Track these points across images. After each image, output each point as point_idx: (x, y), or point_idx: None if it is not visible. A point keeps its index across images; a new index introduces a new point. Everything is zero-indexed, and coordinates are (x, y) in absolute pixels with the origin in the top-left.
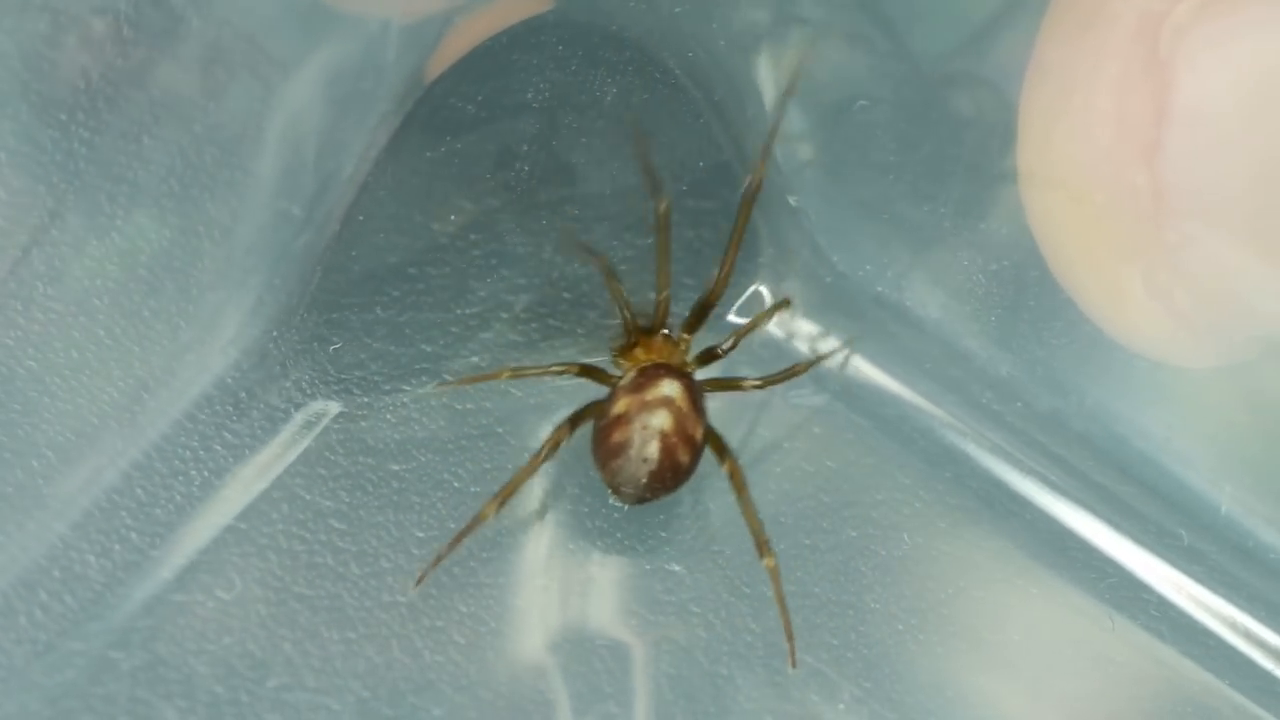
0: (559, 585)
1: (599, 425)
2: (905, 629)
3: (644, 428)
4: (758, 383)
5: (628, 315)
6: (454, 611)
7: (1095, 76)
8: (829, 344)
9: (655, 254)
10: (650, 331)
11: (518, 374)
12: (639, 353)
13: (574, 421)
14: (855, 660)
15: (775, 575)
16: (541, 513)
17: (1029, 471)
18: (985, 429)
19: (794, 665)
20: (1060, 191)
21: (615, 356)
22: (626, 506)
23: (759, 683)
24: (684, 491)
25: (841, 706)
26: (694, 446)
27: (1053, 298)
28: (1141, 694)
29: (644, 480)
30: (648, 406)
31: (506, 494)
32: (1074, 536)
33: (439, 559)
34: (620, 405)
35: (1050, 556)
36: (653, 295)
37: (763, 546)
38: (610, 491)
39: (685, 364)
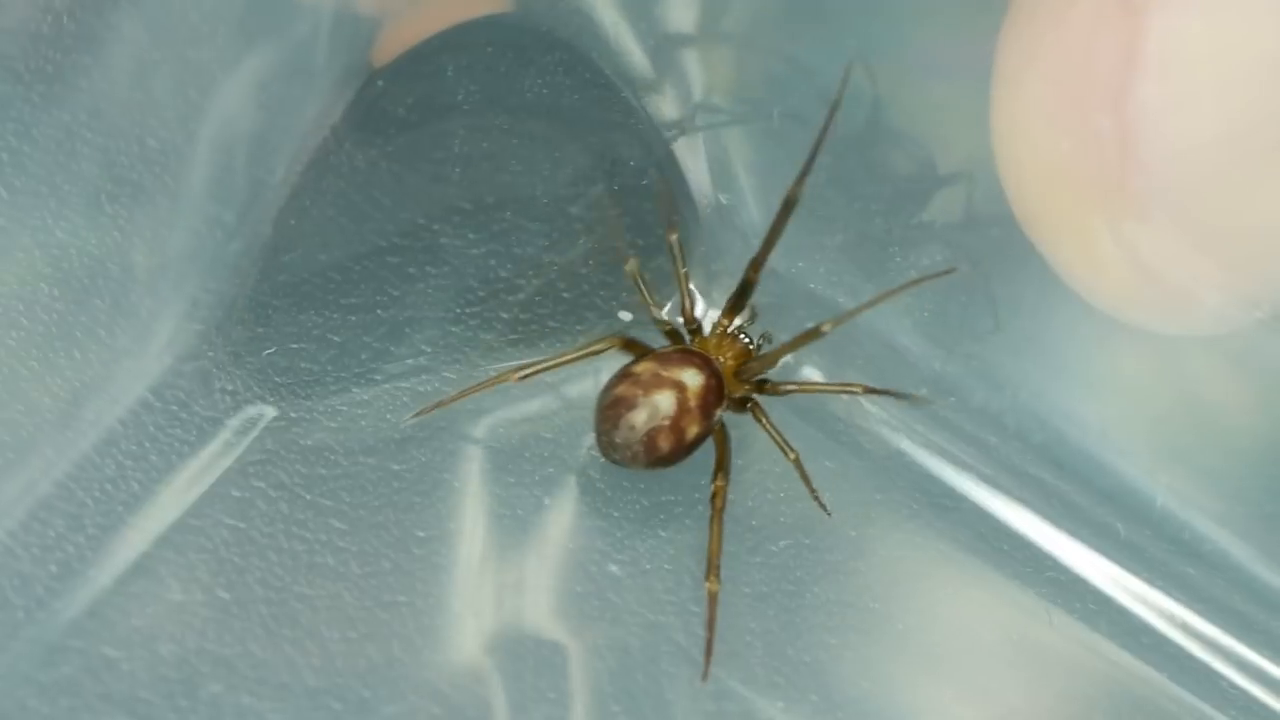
0: (494, 587)
1: (617, 374)
2: (842, 626)
3: (646, 399)
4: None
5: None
6: (388, 617)
7: (1067, 20)
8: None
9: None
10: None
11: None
12: (707, 340)
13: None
14: (792, 660)
15: (714, 600)
16: (476, 513)
17: (964, 467)
18: (919, 425)
19: (705, 680)
20: (1029, 137)
21: (692, 335)
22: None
23: (696, 684)
24: (625, 491)
25: (780, 704)
26: (680, 440)
27: (984, 293)
28: (1080, 687)
29: (616, 440)
30: (660, 381)
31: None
32: (1011, 531)
33: (441, 403)
34: (641, 365)
35: (987, 552)
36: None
37: (713, 571)
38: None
39: (729, 366)
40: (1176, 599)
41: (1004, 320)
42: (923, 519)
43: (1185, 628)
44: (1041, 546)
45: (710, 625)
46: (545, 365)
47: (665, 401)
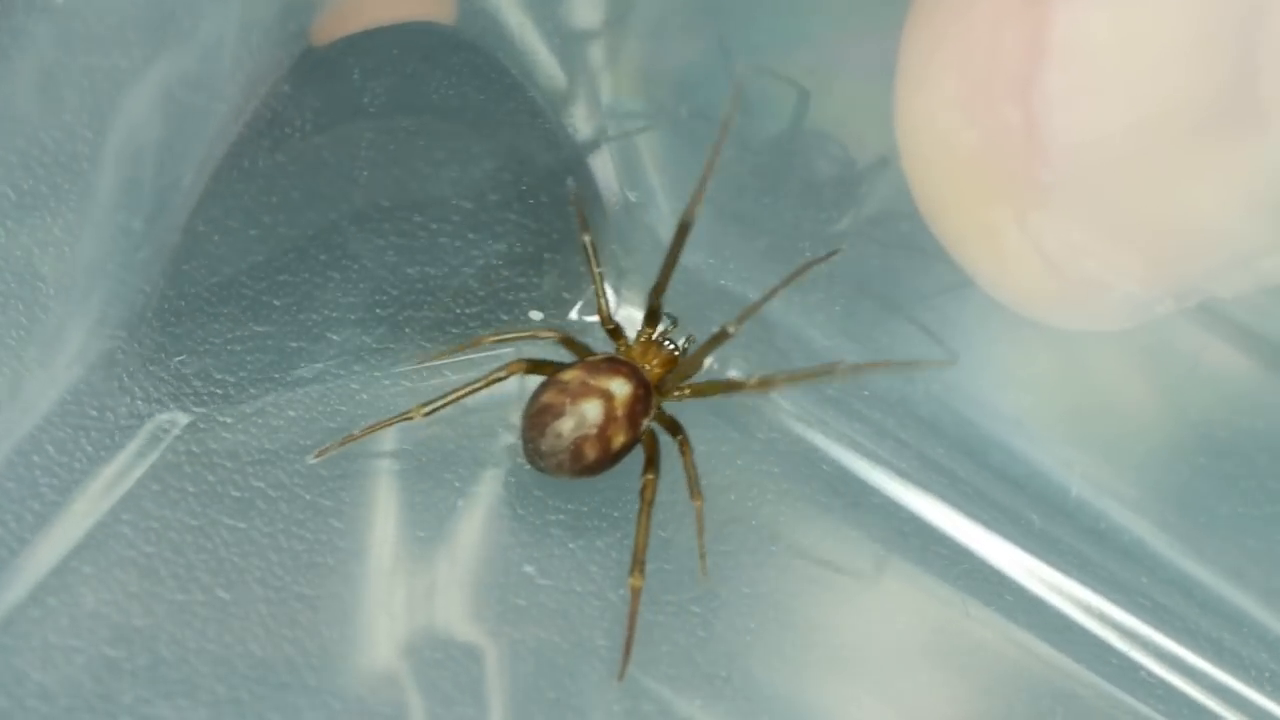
0: (406, 589)
1: (544, 381)
2: (757, 623)
3: (573, 407)
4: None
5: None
6: (299, 621)
7: (972, 11)
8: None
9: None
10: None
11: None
12: (632, 348)
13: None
14: (708, 657)
15: (636, 596)
16: (389, 517)
17: (878, 460)
18: (832, 418)
19: (621, 679)
20: (933, 131)
21: (610, 334)
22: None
23: (612, 683)
24: (540, 492)
25: (698, 703)
26: (606, 450)
27: (896, 285)
28: (998, 679)
29: (542, 448)
30: (588, 393)
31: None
32: (925, 524)
33: (348, 439)
34: (569, 374)
35: (902, 545)
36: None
37: (638, 566)
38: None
39: (659, 376)
40: (1093, 589)
41: (916, 313)
42: (836, 513)
43: (1102, 617)
44: (956, 539)
45: (631, 622)
46: (449, 400)
47: (592, 410)
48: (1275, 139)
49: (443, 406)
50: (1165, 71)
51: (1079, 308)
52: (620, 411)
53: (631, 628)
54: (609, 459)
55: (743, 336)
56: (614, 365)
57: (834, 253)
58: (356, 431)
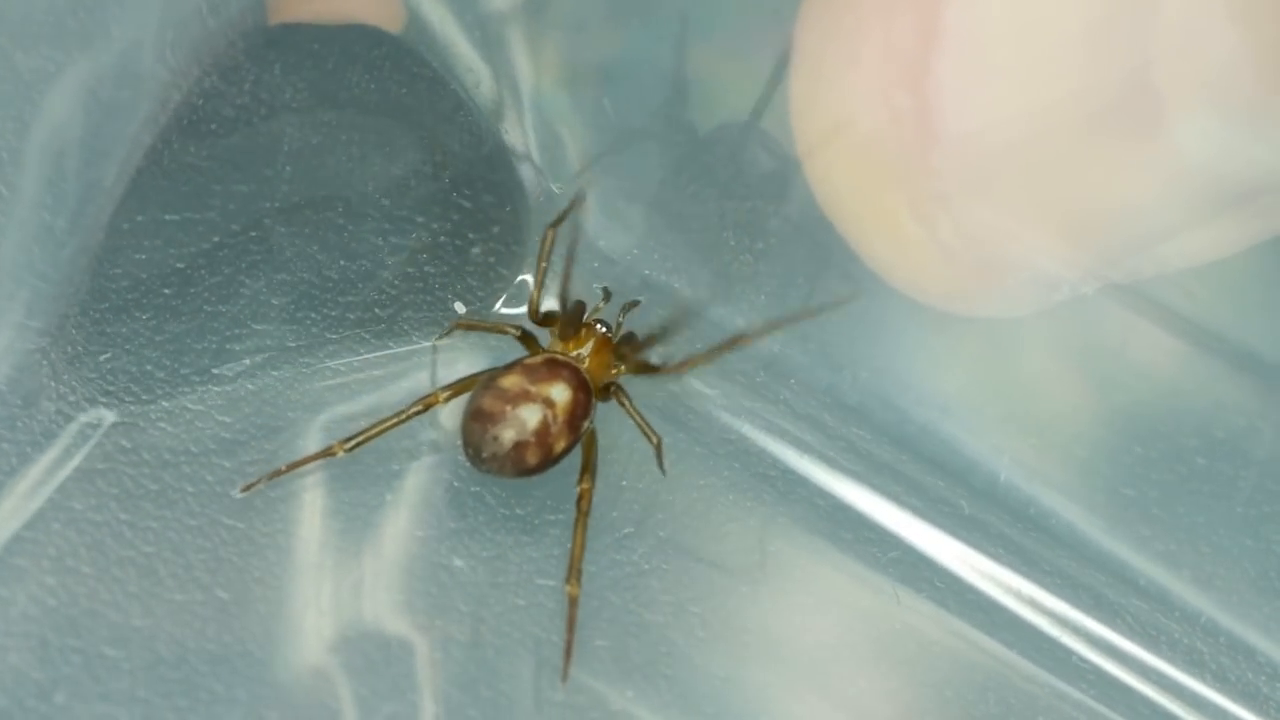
0: (332, 584)
1: (484, 381)
2: (688, 615)
3: (513, 413)
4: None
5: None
6: (226, 618)
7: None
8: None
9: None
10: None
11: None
12: (572, 344)
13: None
14: (639, 651)
15: (574, 604)
16: (314, 512)
17: (806, 449)
18: (760, 408)
19: (564, 681)
20: (828, 120)
21: (554, 334)
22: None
23: (545, 676)
24: (468, 486)
25: (630, 694)
26: (548, 454)
27: (822, 274)
28: (930, 666)
29: (484, 454)
30: (528, 398)
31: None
32: (854, 512)
33: (274, 474)
34: (509, 380)
35: (832, 533)
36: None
37: (575, 574)
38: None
39: (601, 372)
40: (1023, 574)
41: (842, 300)
42: (766, 503)
43: (1033, 603)
44: (886, 526)
45: (570, 627)
46: (371, 434)
47: (532, 417)
48: (1171, 124)
49: (364, 441)
50: (1060, 59)
51: (976, 293)
52: (561, 417)
53: (571, 632)
54: (550, 461)
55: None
56: (553, 369)
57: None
58: (282, 466)
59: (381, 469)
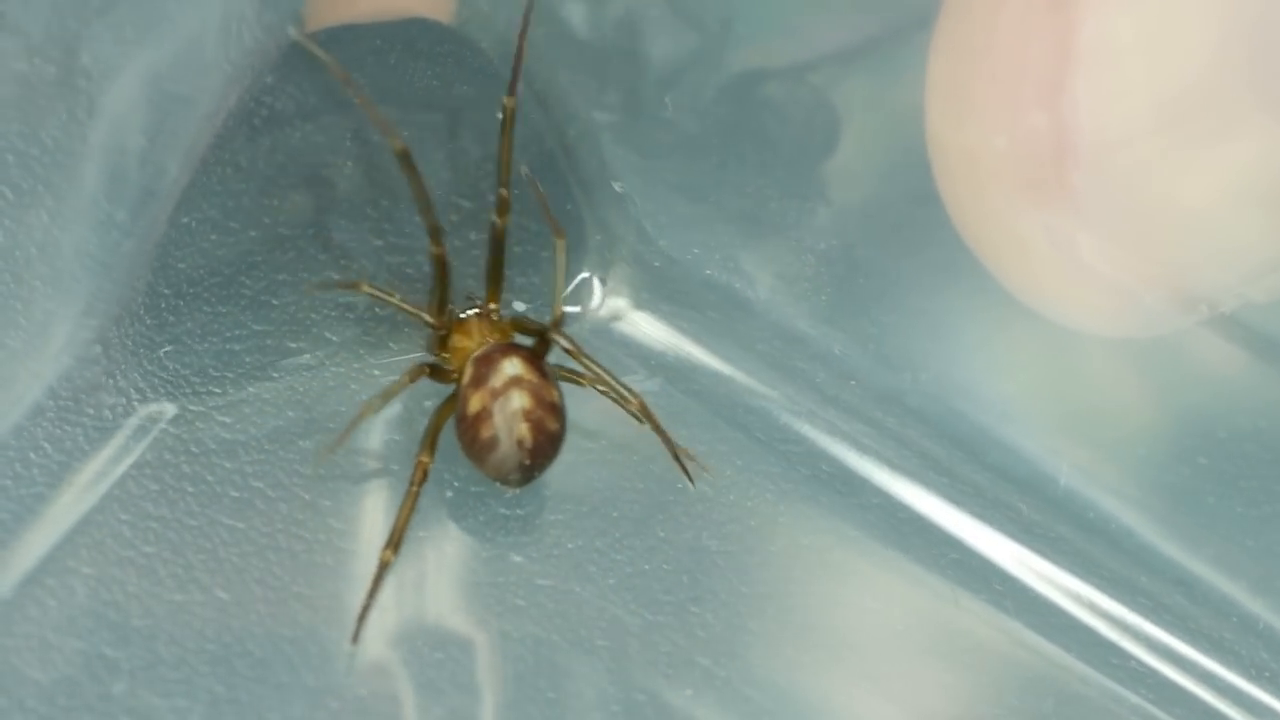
0: (397, 579)
1: (461, 428)
2: (747, 613)
3: (505, 415)
4: (566, 344)
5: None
6: (289, 614)
7: (999, 14)
8: (658, 327)
9: (413, 193)
10: (463, 317)
11: (384, 400)
12: (459, 340)
13: (432, 445)
14: (700, 650)
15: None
16: (377, 508)
17: (866, 451)
18: (820, 409)
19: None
20: (963, 136)
21: (437, 352)
22: (515, 491)
23: (604, 672)
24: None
25: (689, 693)
26: (557, 410)
27: (883, 275)
28: (988, 669)
29: (527, 462)
30: (500, 393)
31: (398, 535)
32: (914, 514)
33: (364, 612)
34: (474, 403)
35: (890, 535)
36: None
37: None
38: (498, 483)
39: (508, 335)
40: (1082, 578)
41: (902, 302)
42: (824, 504)
43: (1092, 606)
44: (945, 528)
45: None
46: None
47: (519, 400)
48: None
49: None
50: (1186, 73)
51: (1110, 314)
52: (535, 378)
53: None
54: (564, 412)
55: (728, 324)
56: (491, 358)
57: None
58: (367, 599)
59: (442, 464)
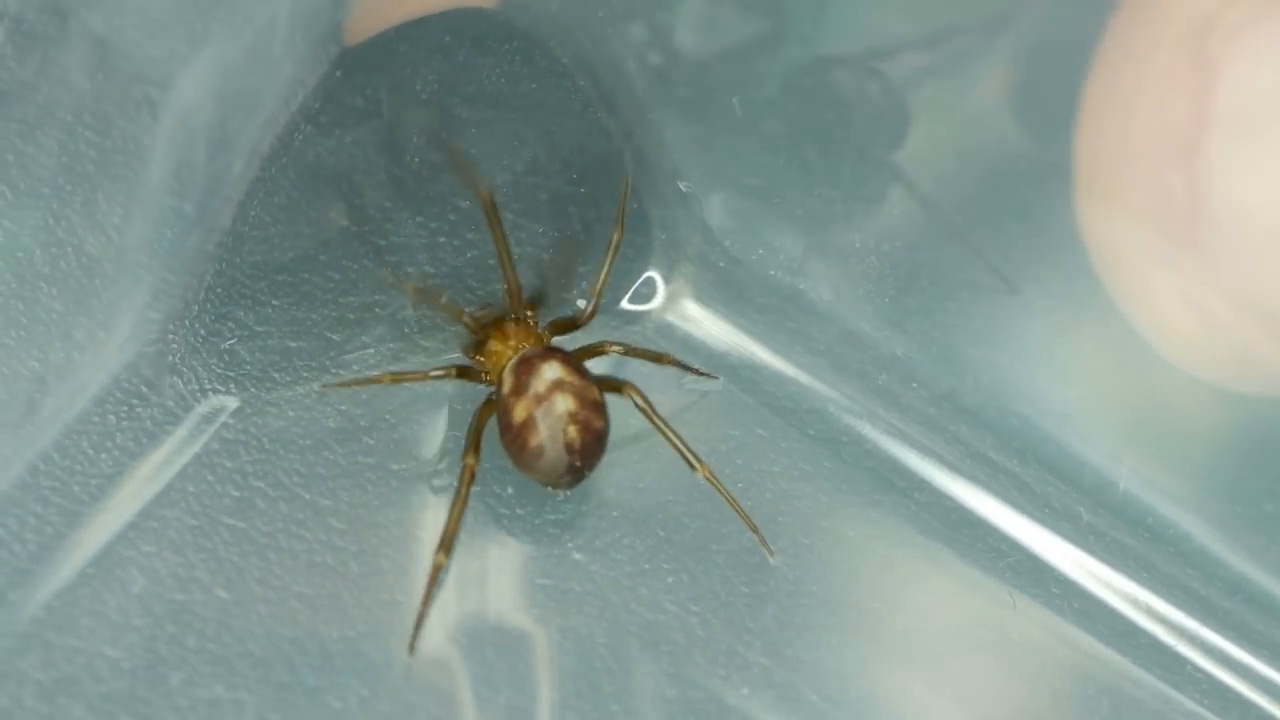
0: (457, 576)
1: (508, 438)
2: (805, 612)
3: (551, 420)
4: (620, 349)
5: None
6: (348, 606)
7: (1141, 73)
8: (721, 326)
9: (495, 244)
10: (501, 320)
11: (398, 379)
12: (496, 346)
13: (476, 447)
14: (757, 649)
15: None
16: (437, 503)
17: (926, 452)
18: (881, 410)
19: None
20: (1104, 184)
21: (473, 356)
22: (567, 493)
23: (661, 670)
24: (586, 484)
25: (745, 691)
26: (601, 408)
27: (946, 278)
28: (1044, 672)
29: (577, 464)
30: (544, 400)
31: (449, 538)
32: (973, 516)
33: (420, 620)
34: (519, 412)
35: (949, 537)
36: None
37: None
38: (549, 488)
39: (545, 339)
40: (1139, 582)
41: (965, 305)
42: (884, 505)
43: (1149, 611)
44: (1004, 531)
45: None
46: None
47: (564, 404)
48: None
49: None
50: None
51: (1240, 370)
52: (575, 379)
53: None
54: (606, 408)
55: (792, 324)
56: (529, 365)
57: None
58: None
59: (503, 461)
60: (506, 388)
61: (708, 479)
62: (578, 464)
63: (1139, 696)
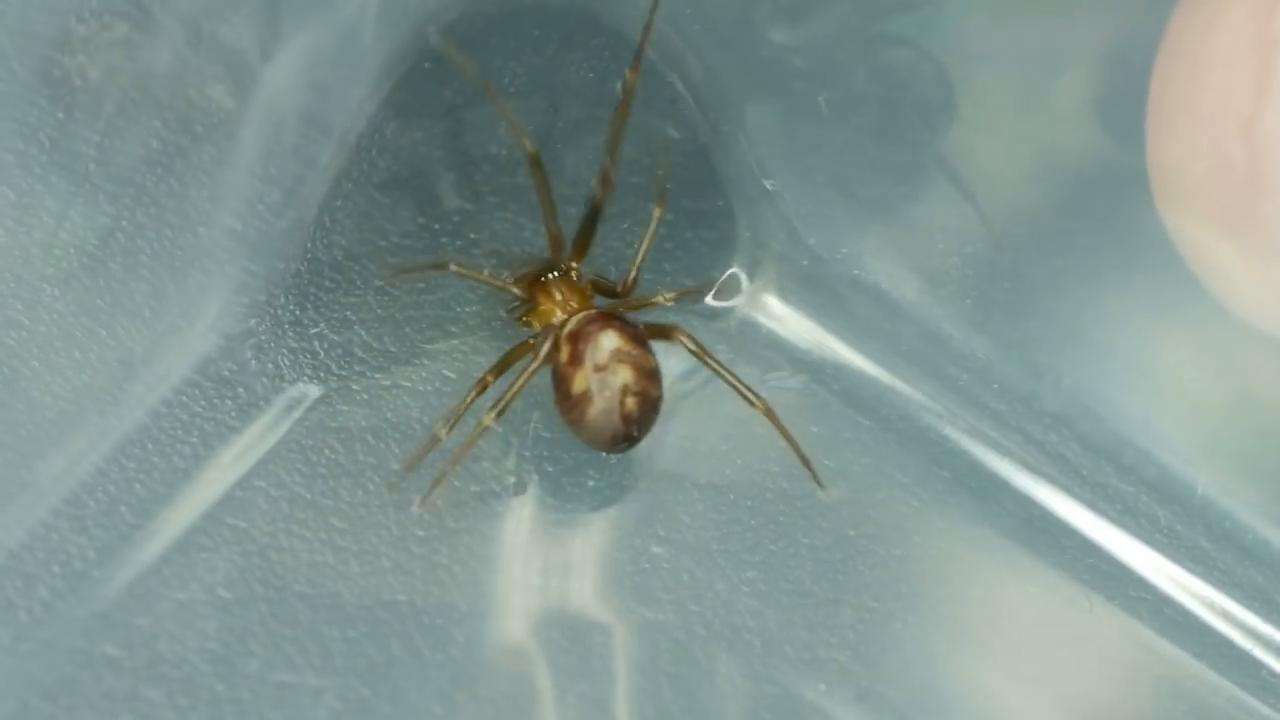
0: (540, 567)
1: (565, 406)
2: (882, 612)
3: (609, 393)
4: (672, 296)
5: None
6: (433, 594)
7: (1204, 48)
8: (804, 325)
9: (538, 196)
10: (545, 275)
11: (462, 272)
12: (544, 304)
13: (500, 369)
14: (834, 645)
15: (772, 418)
16: (521, 495)
17: (1006, 454)
18: (962, 411)
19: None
20: (1171, 157)
21: (522, 320)
22: (615, 458)
23: (738, 665)
24: (667, 477)
25: (822, 688)
26: (656, 375)
27: (1028, 280)
28: (1120, 675)
29: (633, 434)
30: (602, 370)
31: (508, 401)
32: (1051, 518)
33: (441, 477)
34: (577, 383)
35: (1027, 538)
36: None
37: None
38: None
39: (589, 294)
40: (1217, 586)
41: (1047, 308)
42: (963, 505)
43: (1226, 615)
44: (1082, 533)
45: (458, 458)
46: (513, 394)
47: (623, 375)
48: None
49: (509, 402)
50: None
51: None
52: (632, 347)
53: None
54: (659, 374)
55: (874, 324)
56: (585, 332)
57: None
58: (449, 466)
59: (585, 454)
60: (564, 356)
61: (765, 414)
62: (634, 434)
63: (1214, 701)
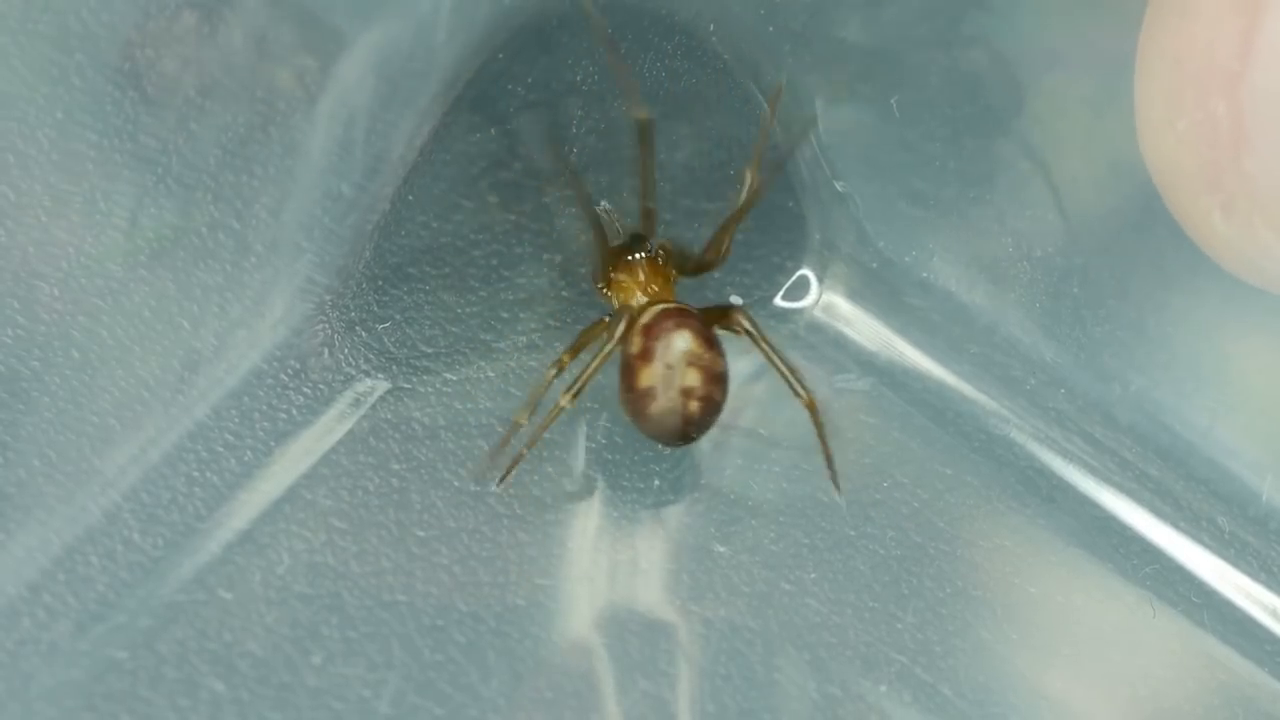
0: (606, 565)
1: (629, 398)
2: (946, 614)
3: (675, 393)
4: (749, 325)
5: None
6: (492, 590)
7: (1191, 4)
8: (872, 327)
9: (640, 169)
10: (633, 250)
11: (529, 411)
12: (624, 280)
13: (575, 349)
14: (897, 646)
15: (814, 414)
16: (589, 492)
17: (1071, 458)
18: (1028, 415)
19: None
20: (1155, 118)
21: (599, 285)
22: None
23: (800, 665)
24: (731, 478)
25: (884, 689)
26: (724, 380)
27: (1096, 286)
28: (1181, 681)
29: (692, 434)
30: (671, 370)
31: (582, 384)
32: (1115, 523)
33: (518, 460)
34: (644, 378)
35: (1092, 543)
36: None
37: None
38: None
39: (674, 280)
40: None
41: (1115, 313)
42: (1028, 509)
43: None
44: (1146, 538)
45: (533, 442)
46: (587, 377)
47: (689, 377)
48: None
49: (585, 385)
50: None
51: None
52: (704, 351)
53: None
54: (727, 378)
55: (942, 327)
56: (660, 327)
57: None
58: (525, 449)
59: (651, 451)
60: (634, 348)
61: (808, 407)
62: (693, 435)
63: (1275, 711)
